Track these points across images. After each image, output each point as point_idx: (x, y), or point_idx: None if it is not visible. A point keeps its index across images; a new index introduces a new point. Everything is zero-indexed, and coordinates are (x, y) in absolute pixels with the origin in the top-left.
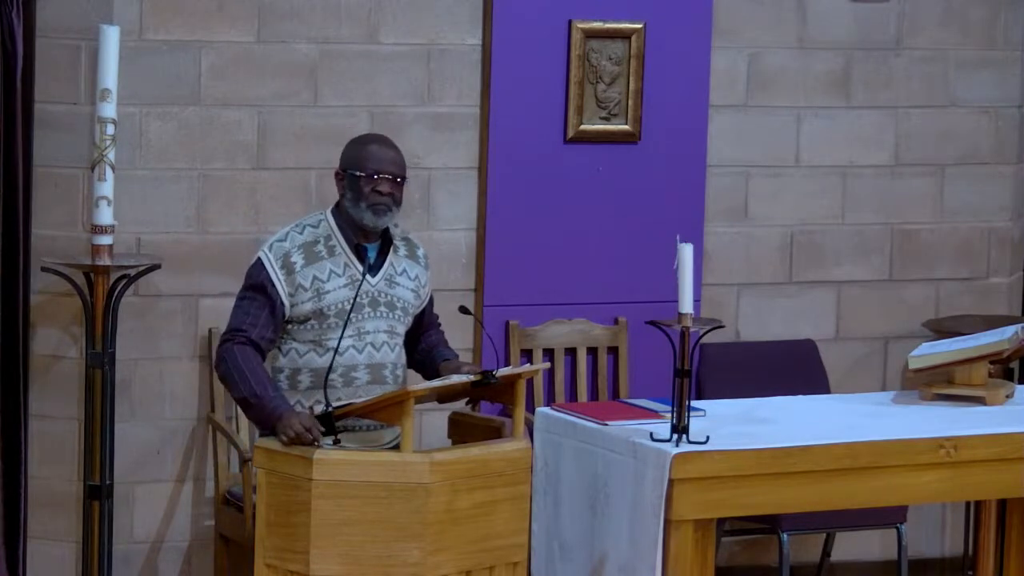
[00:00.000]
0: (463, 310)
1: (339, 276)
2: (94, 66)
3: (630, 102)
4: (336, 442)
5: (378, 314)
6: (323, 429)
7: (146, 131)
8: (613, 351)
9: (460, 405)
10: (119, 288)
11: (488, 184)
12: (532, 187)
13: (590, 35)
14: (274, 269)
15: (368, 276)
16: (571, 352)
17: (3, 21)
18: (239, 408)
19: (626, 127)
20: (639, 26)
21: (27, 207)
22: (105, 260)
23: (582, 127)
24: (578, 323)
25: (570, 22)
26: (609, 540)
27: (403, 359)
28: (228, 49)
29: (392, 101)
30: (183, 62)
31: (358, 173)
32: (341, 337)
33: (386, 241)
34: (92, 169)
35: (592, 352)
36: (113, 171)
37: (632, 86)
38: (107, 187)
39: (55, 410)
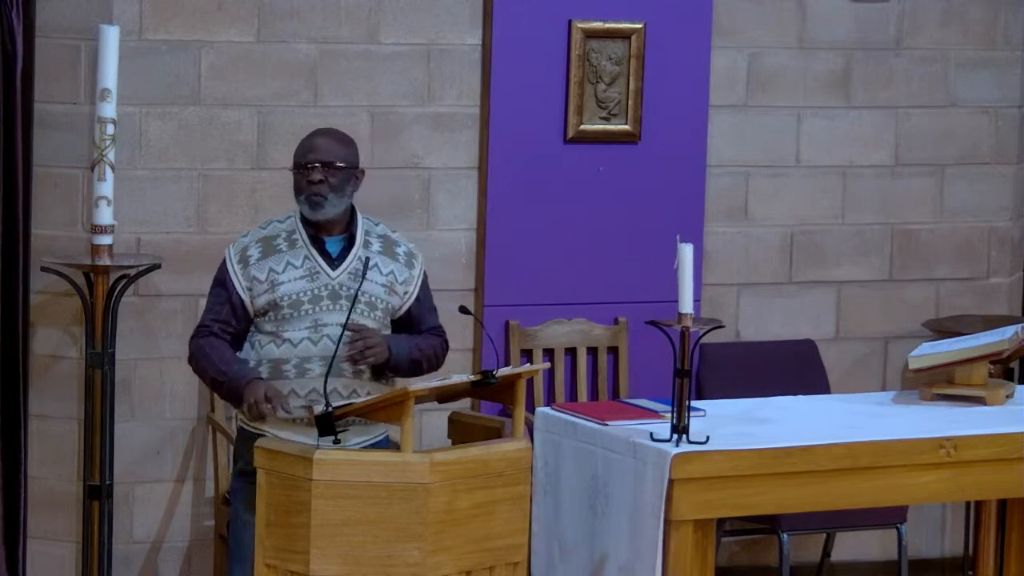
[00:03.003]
0: (463, 310)
1: (296, 268)
2: (94, 66)
3: (630, 102)
4: (336, 442)
5: (338, 307)
6: (289, 411)
7: (146, 131)
8: (613, 351)
9: (460, 405)
10: (119, 288)
11: (488, 184)
12: (532, 187)
13: (590, 35)
14: (232, 263)
15: (329, 269)
16: (571, 352)
17: (3, 21)
18: (215, 394)
19: (626, 127)
20: (639, 26)
21: (27, 207)
22: (105, 260)
23: (582, 127)
24: (578, 323)
25: (570, 22)
26: (609, 540)
27: None
28: (228, 49)
29: (392, 101)
30: (183, 62)
31: (292, 168)
32: (330, 324)
33: (351, 235)
34: (92, 169)
35: (592, 352)
36: (113, 171)
37: (632, 86)
38: (107, 187)
39: (55, 410)
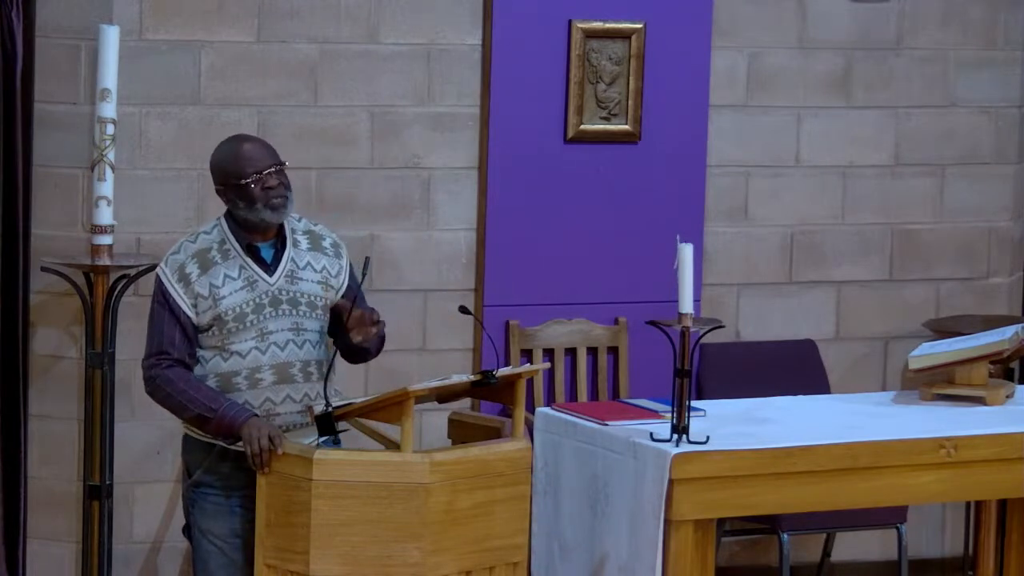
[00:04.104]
0: (463, 310)
1: (234, 279)
2: (94, 66)
3: (630, 102)
4: (336, 442)
5: (280, 312)
6: (279, 437)
7: (146, 131)
8: (613, 351)
9: (460, 405)
10: (119, 288)
11: (488, 184)
12: (532, 187)
13: (590, 35)
14: (171, 283)
15: (266, 276)
16: (571, 352)
17: (3, 21)
18: (194, 426)
19: (626, 127)
20: (639, 26)
21: (27, 207)
22: (105, 260)
23: (582, 127)
24: (578, 323)
25: (570, 22)
26: (609, 540)
27: (316, 355)
28: (228, 49)
29: (392, 101)
30: (183, 62)
31: (243, 180)
32: (275, 332)
33: (282, 237)
34: (92, 169)
35: (592, 352)
36: (113, 171)
37: (632, 86)
38: (107, 187)
39: (55, 410)
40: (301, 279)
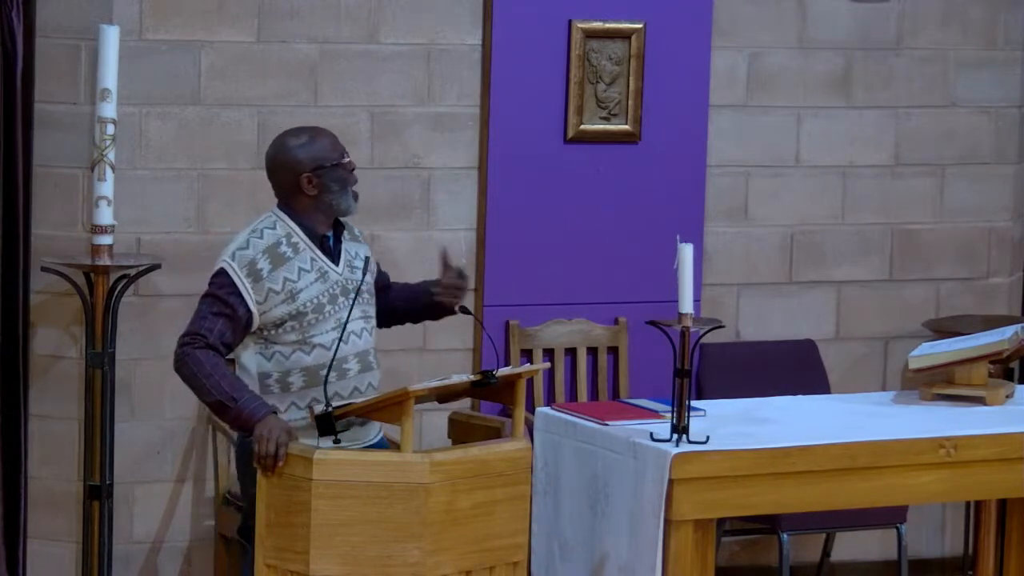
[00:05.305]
0: (463, 310)
1: (308, 272)
2: (94, 66)
3: (630, 102)
4: (336, 442)
5: (351, 301)
6: (296, 437)
7: (146, 131)
8: (613, 351)
9: (460, 405)
10: (119, 288)
11: (488, 184)
12: (532, 187)
13: (590, 35)
14: (240, 279)
15: (334, 266)
16: (571, 352)
17: (3, 21)
18: (212, 412)
19: (626, 127)
20: (639, 26)
21: (27, 207)
22: (105, 260)
23: (582, 127)
24: (578, 323)
25: (570, 22)
26: (609, 540)
27: (376, 342)
28: (228, 49)
29: (392, 101)
30: (183, 62)
31: (339, 161)
32: (350, 320)
33: (337, 227)
34: (92, 169)
35: (592, 352)
36: (113, 171)
37: (632, 86)
38: (107, 187)
39: (55, 410)
40: (357, 268)
